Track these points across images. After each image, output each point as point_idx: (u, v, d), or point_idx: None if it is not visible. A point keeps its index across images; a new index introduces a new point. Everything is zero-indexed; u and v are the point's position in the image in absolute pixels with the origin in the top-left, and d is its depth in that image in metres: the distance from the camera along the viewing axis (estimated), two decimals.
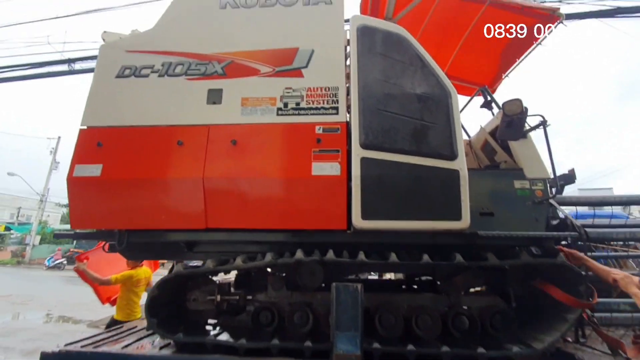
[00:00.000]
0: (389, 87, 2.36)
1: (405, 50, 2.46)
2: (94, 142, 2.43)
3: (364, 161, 2.20)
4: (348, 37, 2.58)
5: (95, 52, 2.79)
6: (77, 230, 2.44)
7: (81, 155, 2.41)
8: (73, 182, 2.35)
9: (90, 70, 6.82)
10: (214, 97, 2.46)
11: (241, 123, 2.39)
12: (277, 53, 2.54)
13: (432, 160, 2.20)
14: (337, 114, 2.34)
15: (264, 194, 2.31)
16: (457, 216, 2.12)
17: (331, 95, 2.39)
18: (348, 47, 2.55)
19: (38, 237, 25.39)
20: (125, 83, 2.57)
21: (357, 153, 2.21)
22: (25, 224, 30.42)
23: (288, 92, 2.43)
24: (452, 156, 2.20)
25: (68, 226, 2.58)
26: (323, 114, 2.35)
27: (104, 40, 2.75)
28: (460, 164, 2.18)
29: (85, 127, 2.49)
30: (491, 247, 2.27)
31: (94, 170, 2.35)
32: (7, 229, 28.35)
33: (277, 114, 2.39)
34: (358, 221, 2.13)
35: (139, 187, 2.35)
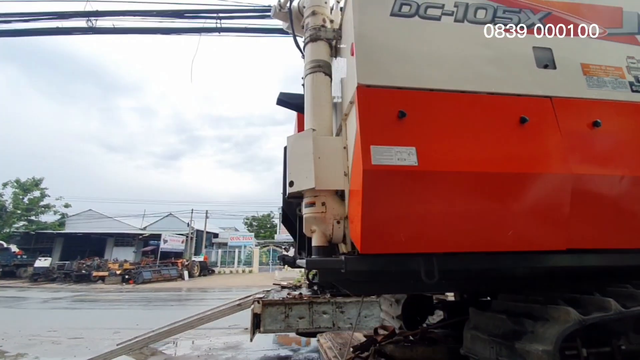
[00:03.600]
0: None
1: None
2: (392, 111, 1.49)
3: None
4: None
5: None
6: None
7: (374, 130, 1.46)
8: (373, 175, 1.40)
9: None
10: (544, 58, 1.72)
11: (592, 98, 1.69)
12: (601, 10, 1.90)
13: None
14: None
15: (622, 199, 1.65)
16: None
17: None
18: None
19: None
20: (408, 25, 1.67)
21: None
22: None
23: (633, 63, 1.81)
24: None
25: None
26: None
27: None
28: None
29: (364, 85, 1.53)
30: None
31: (405, 155, 1.43)
32: None
33: (632, 90, 1.75)
34: None
35: (470, 185, 1.49)
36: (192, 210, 34.34)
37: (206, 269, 28.97)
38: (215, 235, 39.17)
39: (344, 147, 1.86)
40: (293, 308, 6.10)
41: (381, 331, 2.72)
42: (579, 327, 1.35)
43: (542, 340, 1.37)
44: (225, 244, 34.93)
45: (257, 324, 6.09)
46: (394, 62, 1.58)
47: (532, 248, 1.52)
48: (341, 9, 2.29)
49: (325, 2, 2.24)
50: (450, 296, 3.55)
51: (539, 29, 1.77)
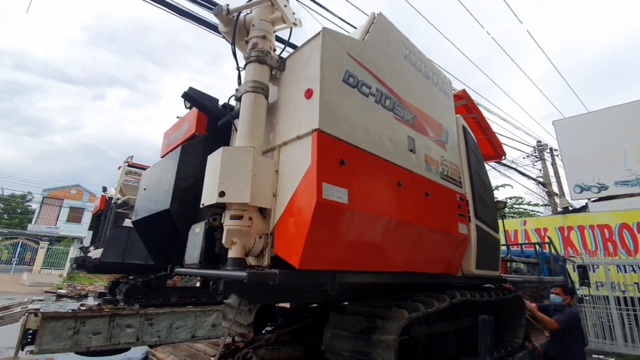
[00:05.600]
0: (478, 176, 3.51)
1: (478, 148, 3.72)
2: (336, 158, 1.89)
3: (477, 227, 3.19)
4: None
5: None
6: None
7: (325, 171, 1.81)
8: (322, 207, 1.73)
9: None
10: (411, 145, 2.61)
11: (427, 177, 2.70)
12: (435, 123, 3.05)
13: (493, 232, 3.53)
14: (461, 187, 3.19)
15: (431, 242, 2.71)
16: (497, 268, 3.55)
17: (458, 171, 3.21)
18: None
19: None
20: (351, 93, 2.16)
21: (473, 221, 3.17)
22: None
23: (443, 161, 3.01)
24: (497, 229, 3.64)
25: None
26: (456, 185, 3.13)
27: None
28: (499, 236, 3.65)
29: (322, 131, 1.86)
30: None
31: (341, 195, 1.85)
32: None
33: (441, 177, 2.91)
34: (471, 269, 3.06)
35: (371, 222, 2.08)
36: None
37: None
38: None
39: (276, 171, 2.09)
40: (87, 322, 5.04)
41: (238, 339, 2.88)
42: (407, 322, 2.13)
43: (389, 332, 2.06)
44: None
45: (26, 342, 4.60)
46: (341, 119, 2.02)
47: (395, 269, 2.26)
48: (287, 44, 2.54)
49: (274, 32, 2.43)
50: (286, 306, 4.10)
51: (410, 124, 2.68)
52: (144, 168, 7.26)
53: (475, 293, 3.01)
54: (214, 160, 2.02)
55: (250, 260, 2.03)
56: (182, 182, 2.55)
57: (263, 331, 3.48)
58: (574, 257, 9.76)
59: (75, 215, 29.16)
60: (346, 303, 2.77)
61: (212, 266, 2.11)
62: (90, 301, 6.65)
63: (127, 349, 6.49)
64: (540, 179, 14.33)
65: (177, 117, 3.62)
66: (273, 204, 2.03)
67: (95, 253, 6.01)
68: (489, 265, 3.37)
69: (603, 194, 11.89)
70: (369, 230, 2.08)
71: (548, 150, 14.58)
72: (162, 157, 3.42)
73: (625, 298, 8.62)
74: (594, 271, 9.39)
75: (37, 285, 16.98)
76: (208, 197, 1.99)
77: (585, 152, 12.67)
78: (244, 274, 1.61)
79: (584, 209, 12.37)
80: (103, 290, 7.75)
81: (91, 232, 7.69)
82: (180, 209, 2.49)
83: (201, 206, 2.05)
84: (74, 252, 22.13)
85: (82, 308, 5.32)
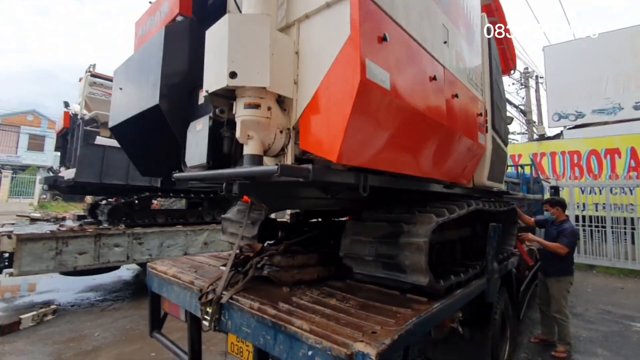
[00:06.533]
0: (496, 85, 3.24)
1: (498, 54, 3.39)
2: (378, 31, 1.51)
3: (492, 139, 3.03)
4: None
5: None
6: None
7: (368, 46, 1.44)
8: (366, 89, 1.41)
9: None
10: (445, 36, 2.23)
11: (457, 77, 2.39)
12: (464, 16, 2.63)
13: (503, 145, 3.41)
14: (482, 95, 2.93)
15: (455, 148, 2.52)
16: (502, 181, 3.52)
17: (481, 77, 2.91)
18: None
19: None
20: None
21: (490, 132, 2.99)
22: None
23: (469, 62, 2.68)
24: (507, 143, 3.53)
25: None
26: (478, 91, 2.85)
27: None
28: (507, 150, 3.56)
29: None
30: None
31: (383, 78, 1.53)
32: None
33: (467, 80, 2.60)
34: (483, 181, 2.99)
35: (406, 117, 1.80)
36: None
37: None
38: None
39: (296, 52, 1.69)
40: (70, 242, 4.81)
41: (246, 249, 2.76)
42: (436, 225, 2.04)
43: (418, 235, 1.97)
44: None
45: (3, 266, 4.38)
46: None
47: (420, 174, 2.09)
48: None
49: None
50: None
51: (446, 10, 2.26)
52: (110, 79, 6.36)
53: (486, 203, 2.98)
54: (218, 34, 1.58)
55: (266, 162, 1.76)
56: (170, 72, 2.09)
57: (265, 244, 3.41)
58: (550, 179, 10.36)
59: (36, 142, 27.84)
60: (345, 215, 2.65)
61: (220, 167, 1.82)
62: (69, 223, 6.35)
63: (117, 267, 6.48)
64: (522, 107, 14.42)
65: (150, 2, 2.93)
66: (295, 92, 1.68)
67: (68, 173, 5.51)
68: (497, 177, 3.32)
69: (579, 121, 12.23)
70: (404, 126, 1.81)
71: (534, 78, 14.41)
72: (136, 50, 2.84)
73: (584, 216, 9.50)
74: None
75: (7, 215, 16.24)
76: (213, 81, 1.60)
77: (570, 80, 12.61)
78: (274, 168, 1.34)
79: (558, 136, 12.81)
80: (82, 214, 7.41)
81: (58, 153, 6.98)
82: (170, 104, 2.08)
83: (204, 94, 1.66)
84: (42, 180, 21.00)
85: (61, 229, 5.04)
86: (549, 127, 13.39)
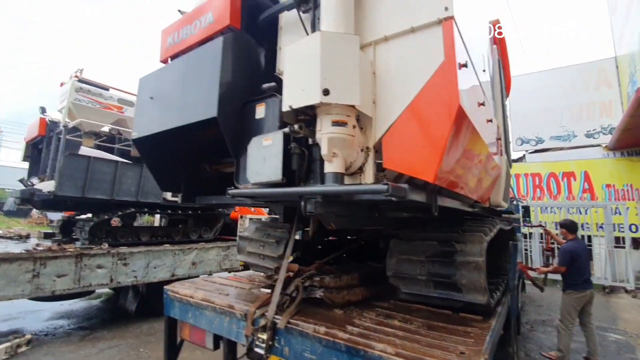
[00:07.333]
0: (504, 110, 3.48)
1: (504, 81, 3.67)
2: (461, 58, 1.59)
3: (505, 160, 3.24)
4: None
5: None
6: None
7: (459, 72, 1.51)
8: (460, 114, 1.46)
9: None
10: (484, 64, 2.39)
11: (487, 102, 2.55)
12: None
13: (508, 167, 3.64)
14: (496, 117, 3.14)
15: (486, 168, 2.65)
16: (507, 201, 3.74)
17: (494, 102, 3.13)
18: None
19: None
20: None
21: (504, 155, 3.20)
22: None
23: (487, 87, 2.88)
24: (511, 165, 3.76)
25: None
26: (493, 113, 3.05)
27: None
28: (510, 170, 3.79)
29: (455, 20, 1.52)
30: None
31: (464, 102, 1.60)
32: None
33: (492, 105, 2.79)
34: (499, 200, 3.16)
35: (471, 140, 1.88)
36: None
37: None
38: None
39: (374, 73, 1.73)
40: (48, 263, 4.34)
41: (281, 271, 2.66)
42: (487, 244, 2.11)
43: (474, 255, 2.02)
44: None
45: None
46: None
47: (469, 195, 2.17)
48: None
49: None
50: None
51: None
52: (100, 86, 5.94)
53: (500, 222, 3.14)
54: (307, 49, 1.57)
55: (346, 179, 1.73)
56: (226, 83, 2.02)
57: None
58: (525, 198, 11.18)
59: None
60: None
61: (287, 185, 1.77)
62: (34, 242, 5.71)
63: (91, 292, 5.90)
64: None
65: (180, 12, 2.85)
66: (373, 111, 1.70)
67: (45, 185, 4.97)
68: (506, 197, 3.53)
69: (539, 146, 13.41)
70: (468, 148, 1.90)
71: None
72: (163, 60, 2.73)
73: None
74: None
75: None
76: (300, 96, 1.58)
77: (530, 108, 13.87)
78: (384, 187, 1.33)
79: (521, 159, 13.91)
80: (49, 231, 6.69)
81: (27, 163, 6.29)
82: (227, 116, 2.01)
83: (286, 109, 1.63)
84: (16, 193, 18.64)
85: (38, 248, 4.52)
86: (513, 151, 14.52)
